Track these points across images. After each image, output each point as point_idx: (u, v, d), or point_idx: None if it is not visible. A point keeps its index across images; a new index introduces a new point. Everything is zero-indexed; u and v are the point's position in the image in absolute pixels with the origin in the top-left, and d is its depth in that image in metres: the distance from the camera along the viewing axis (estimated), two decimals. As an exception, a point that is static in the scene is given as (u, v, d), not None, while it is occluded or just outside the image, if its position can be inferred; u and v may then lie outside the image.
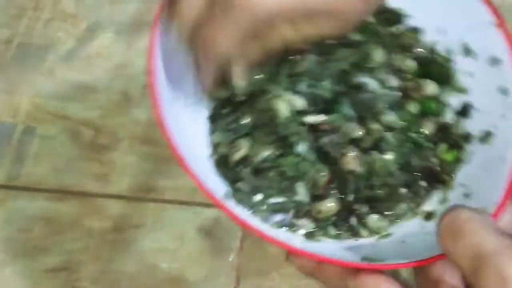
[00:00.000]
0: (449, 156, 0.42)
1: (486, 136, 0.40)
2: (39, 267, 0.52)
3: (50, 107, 0.57)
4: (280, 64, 0.43)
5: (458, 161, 0.42)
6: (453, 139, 0.43)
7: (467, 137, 0.42)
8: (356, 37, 0.45)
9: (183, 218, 0.53)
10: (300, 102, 0.42)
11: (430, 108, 0.43)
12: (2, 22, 0.61)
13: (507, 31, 0.38)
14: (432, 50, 0.44)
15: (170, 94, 0.40)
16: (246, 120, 0.43)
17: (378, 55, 0.44)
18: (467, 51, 0.42)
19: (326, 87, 0.43)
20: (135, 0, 0.59)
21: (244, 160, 0.42)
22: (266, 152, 0.42)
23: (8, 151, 0.56)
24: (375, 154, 0.42)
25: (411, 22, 0.45)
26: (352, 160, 0.41)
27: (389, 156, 0.42)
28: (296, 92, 0.42)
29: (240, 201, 0.41)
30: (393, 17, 0.45)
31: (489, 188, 0.37)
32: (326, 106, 0.43)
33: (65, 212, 0.53)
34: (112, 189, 0.54)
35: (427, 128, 0.43)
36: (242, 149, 0.42)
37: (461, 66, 0.43)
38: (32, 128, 0.57)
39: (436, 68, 0.45)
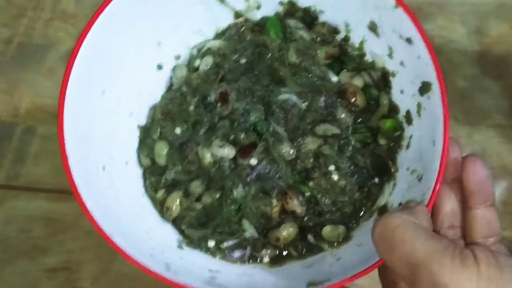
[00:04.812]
0: (387, 123, 0.42)
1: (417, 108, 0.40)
2: (39, 267, 0.52)
3: (50, 107, 0.57)
4: (200, 121, 0.43)
5: (397, 127, 0.42)
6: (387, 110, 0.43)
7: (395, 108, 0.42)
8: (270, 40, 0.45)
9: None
10: (226, 151, 0.42)
11: (371, 95, 0.43)
12: (2, 22, 0.60)
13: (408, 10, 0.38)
14: (344, 43, 0.44)
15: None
16: (172, 172, 0.43)
17: (292, 56, 0.44)
18: (375, 31, 0.42)
19: (249, 121, 0.42)
20: (135, 0, 0.59)
21: (180, 216, 0.42)
22: (199, 205, 0.42)
23: (8, 151, 0.56)
24: (316, 176, 0.41)
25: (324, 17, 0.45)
26: (292, 203, 0.41)
27: (331, 168, 0.41)
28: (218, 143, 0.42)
29: (194, 247, 0.41)
30: (306, 15, 0.45)
31: (427, 172, 0.36)
32: (253, 136, 0.42)
33: (65, 212, 0.53)
34: (112, 189, 0.54)
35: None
36: (175, 205, 0.42)
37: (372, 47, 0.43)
38: (32, 128, 0.57)
39: (350, 59, 0.45)
